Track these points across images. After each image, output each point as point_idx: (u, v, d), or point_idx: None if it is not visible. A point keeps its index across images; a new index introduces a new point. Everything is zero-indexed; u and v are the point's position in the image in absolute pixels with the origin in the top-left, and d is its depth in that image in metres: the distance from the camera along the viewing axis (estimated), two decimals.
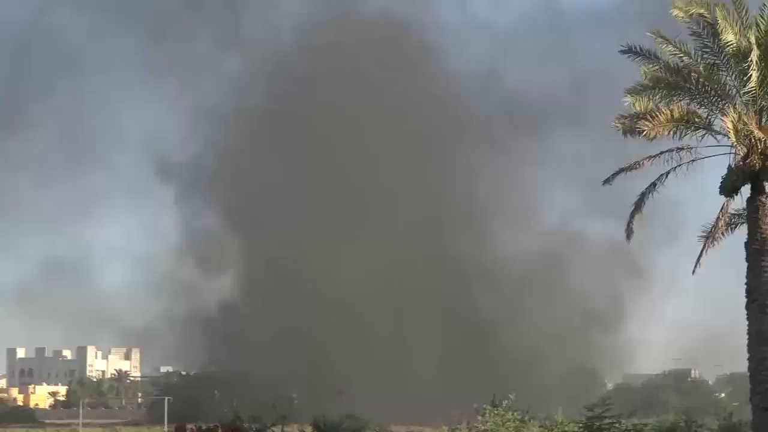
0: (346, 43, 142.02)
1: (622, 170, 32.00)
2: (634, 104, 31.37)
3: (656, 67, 31.50)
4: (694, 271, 32.00)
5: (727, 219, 32.07)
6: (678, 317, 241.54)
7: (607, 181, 32.44)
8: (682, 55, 31.31)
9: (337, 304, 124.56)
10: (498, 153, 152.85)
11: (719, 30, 30.67)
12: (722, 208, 31.80)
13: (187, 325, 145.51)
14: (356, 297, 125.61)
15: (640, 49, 31.77)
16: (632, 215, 32.62)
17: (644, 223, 33.13)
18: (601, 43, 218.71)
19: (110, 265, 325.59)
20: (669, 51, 31.39)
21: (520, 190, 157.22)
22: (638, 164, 31.70)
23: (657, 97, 31.42)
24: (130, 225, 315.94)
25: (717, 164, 31.52)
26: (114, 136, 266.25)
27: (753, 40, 30.37)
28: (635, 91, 31.58)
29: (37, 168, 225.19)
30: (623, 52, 31.93)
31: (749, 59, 30.19)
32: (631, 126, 30.98)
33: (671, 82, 31.36)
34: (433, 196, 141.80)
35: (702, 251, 31.67)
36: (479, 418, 37.80)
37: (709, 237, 31.61)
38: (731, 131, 29.84)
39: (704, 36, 31.20)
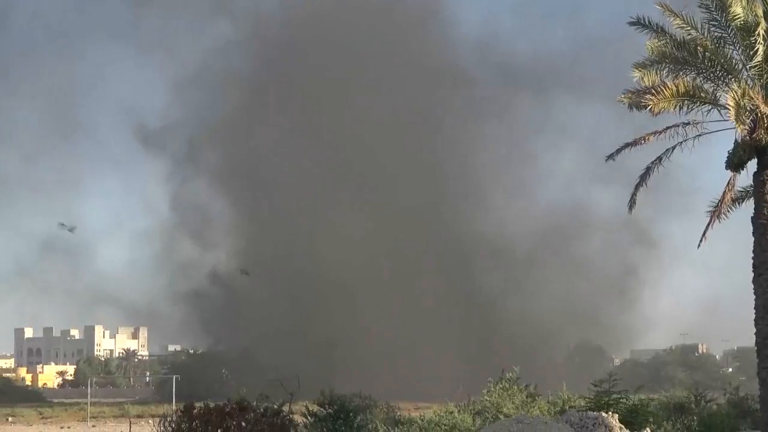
0: (338, 6, 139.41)
1: (627, 145, 31.93)
2: (642, 78, 31.19)
3: (663, 42, 31.29)
4: (699, 245, 32.02)
5: (735, 194, 32.05)
6: (688, 291, 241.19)
7: (611, 157, 32.40)
8: (689, 28, 31.14)
9: (338, 282, 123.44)
10: (499, 121, 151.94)
11: (727, 2, 30.50)
12: (729, 182, 31.76)
13: (188, 303, 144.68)
14: (356, 274, 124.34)
15: (649, 21, 31.56)
16: (636, 189, 32.56)
17: (652, 195, 33.08)
18: (606, 7, 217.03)
19: (107, 240, 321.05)
20: (676, 24, 31.22)
21: (522, 160, 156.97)
22: (644, 139, 31.62)
23: (664, 71, 31.26)
24: (123, 198, 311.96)
25: (729, 136, 31.45)
26: (100, 106, 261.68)
27: (760, 13, 30.22)
28: (643, 65, 31.39)
29: (24, 140, 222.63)
30: (632, 23, 31.75)
31: (756, 33, 30.04)
32: (637, 100, 30.86)
33: (678, 56, 31.21)
34: (433, 167, 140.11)
35: (707, 226, 31.65)
36: (485, 392, 37.83)
37: (715, 212, 31.58)
38: (732, 108, 29.71)
39: (712, 8, 31.05)
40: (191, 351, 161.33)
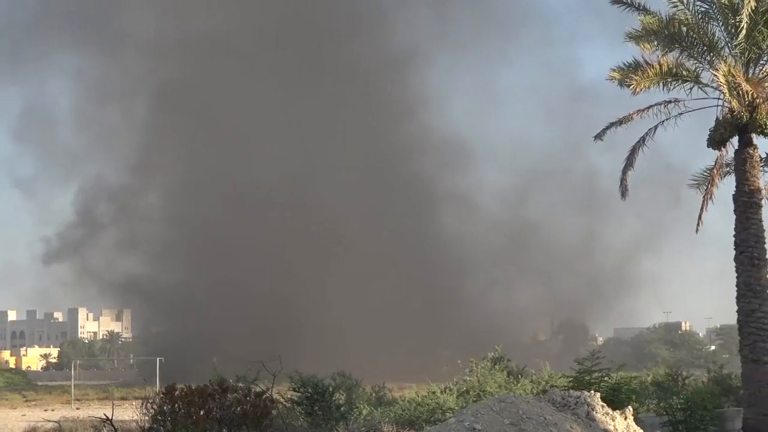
0: None
1: (612, 124, 31.89)
2: (639, 45, 31.02)
3: (654, 18, 31.06)
4: (697, 230, 32.03)
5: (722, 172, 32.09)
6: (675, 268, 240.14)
7: (598, 137, 32.30)
8: (676, 1, 30.93)
9: (310, 265, 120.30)
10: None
11: None
12: (716, 161, 31.74)
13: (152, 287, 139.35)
14: (329, 256, 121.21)
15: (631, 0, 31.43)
16: (624, 172, 32.41)
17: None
18: None
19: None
20: None
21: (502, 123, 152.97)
22: (628, 118, 31.58)
23: (655, 43, 31.09)
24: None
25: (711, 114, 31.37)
26: None
27: None
28: (638, 36, 31.15)
29: None
30: (614, 2, 31.62)
31: (742, 11, 29.90)
32: (624, 78, 30.74)
33: (665, 33, 31.05)
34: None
35: (701, 209, 31.64)
36: (467, 371, 37.81)
37: (707, 193, 31.57)
38: (723, 84, 29.67)
39: None
40: (173, 332, 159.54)
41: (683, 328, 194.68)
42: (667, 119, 31.47)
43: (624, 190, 32.51)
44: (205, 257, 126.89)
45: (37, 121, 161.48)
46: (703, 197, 31.70)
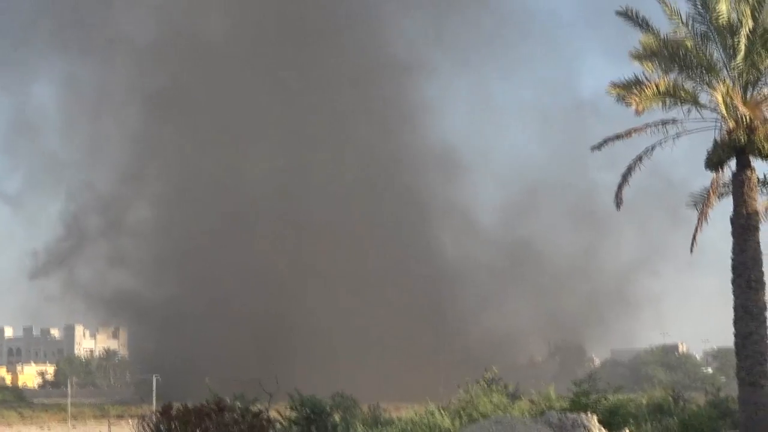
0: None
1: (609, 139, 31.87)
2: (642, 64, 31.10)
3: (653, 39, 31.18)
4: (692, 250, 31.97)
5: (720, 191, 32.09)
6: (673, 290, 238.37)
7: (596, 147, 32.27)
8: (677, 20, 31.00)
9: (308, 285, 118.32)
10: None
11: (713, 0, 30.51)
12: (713, 183, 31.69)
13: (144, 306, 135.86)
14: (327, 272, 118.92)
15: (636, 15, 31.48)
16: (620, 187, 32.39)
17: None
18: None
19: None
20: (665, 11, 31.06)
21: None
22: (626, 134, 31.59)
23: (656, 62, 31.18)
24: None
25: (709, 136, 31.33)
26: None
27: (748, 12, 30.07)
28: (640, 56, 31.23)
29: None
30: (620, 14, 31.69)
31: (740, 33, 29.94)
32: (624, 94, 30.79)
33: (664, 53, 31.13)
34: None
35: (696, 229, 31.56)
36: (462, 391, 37.70)
37: (702, 213, 31.52)
38: (721, 105, 29.67)
39: (698, 3, 30.97)
40: (168, 350, 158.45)
41: (680, 350, 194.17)
42: (664, 139, 31.47)
43: (618, 202, 32.46)
44: (197, 271, 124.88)
45: (24, 129, 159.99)
46: (698, 217, 31.65)
